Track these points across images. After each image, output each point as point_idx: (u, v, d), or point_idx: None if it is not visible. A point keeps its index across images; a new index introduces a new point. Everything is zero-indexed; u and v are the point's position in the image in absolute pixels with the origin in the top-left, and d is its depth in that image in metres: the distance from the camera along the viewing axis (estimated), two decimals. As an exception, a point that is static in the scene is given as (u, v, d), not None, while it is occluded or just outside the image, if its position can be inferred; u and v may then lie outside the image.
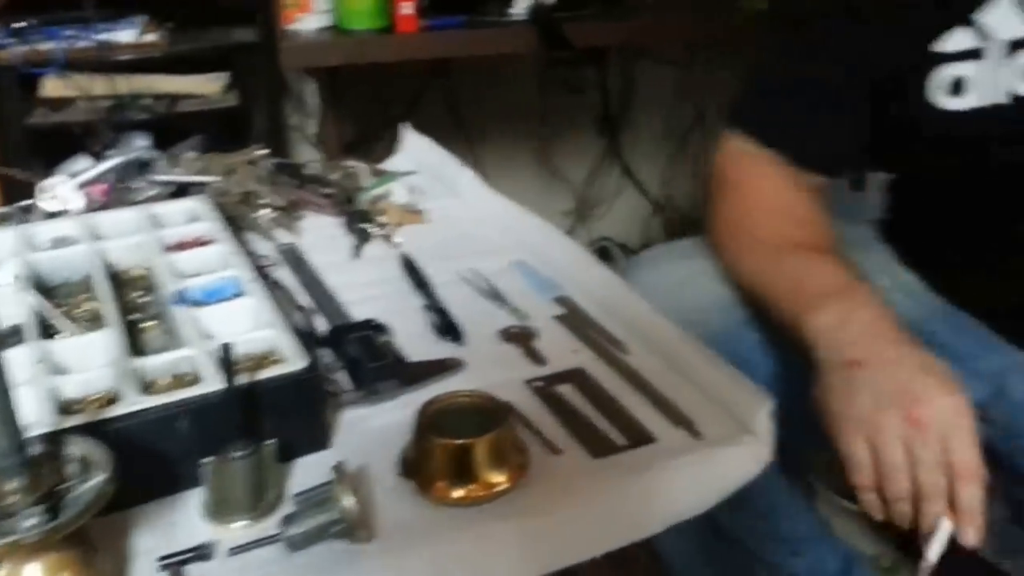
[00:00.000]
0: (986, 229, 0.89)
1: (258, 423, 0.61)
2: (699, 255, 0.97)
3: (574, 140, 2.38)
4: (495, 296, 0.89)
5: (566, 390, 0.75)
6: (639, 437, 0.69)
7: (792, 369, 0.79)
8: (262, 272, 0.81)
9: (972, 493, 0.69)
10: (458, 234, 1.03)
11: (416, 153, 1.22)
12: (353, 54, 1.66)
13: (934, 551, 0.71)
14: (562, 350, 0.81)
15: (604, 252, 2.41)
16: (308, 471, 0.63)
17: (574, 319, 0.85)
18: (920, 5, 0.85)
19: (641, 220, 2.48)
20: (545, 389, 0.75)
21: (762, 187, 0.93)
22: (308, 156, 2.22)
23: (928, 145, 0.92)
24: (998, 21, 0.81)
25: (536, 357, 0.79)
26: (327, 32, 1.67)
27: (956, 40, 0.83)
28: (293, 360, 0.65)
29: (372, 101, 2.15)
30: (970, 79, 0.82)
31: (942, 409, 0.69)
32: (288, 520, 0.56)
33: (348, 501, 0.55)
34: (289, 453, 0.63)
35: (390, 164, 1.20)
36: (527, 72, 2.19)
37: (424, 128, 2.36)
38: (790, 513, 0.97)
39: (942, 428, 0.69)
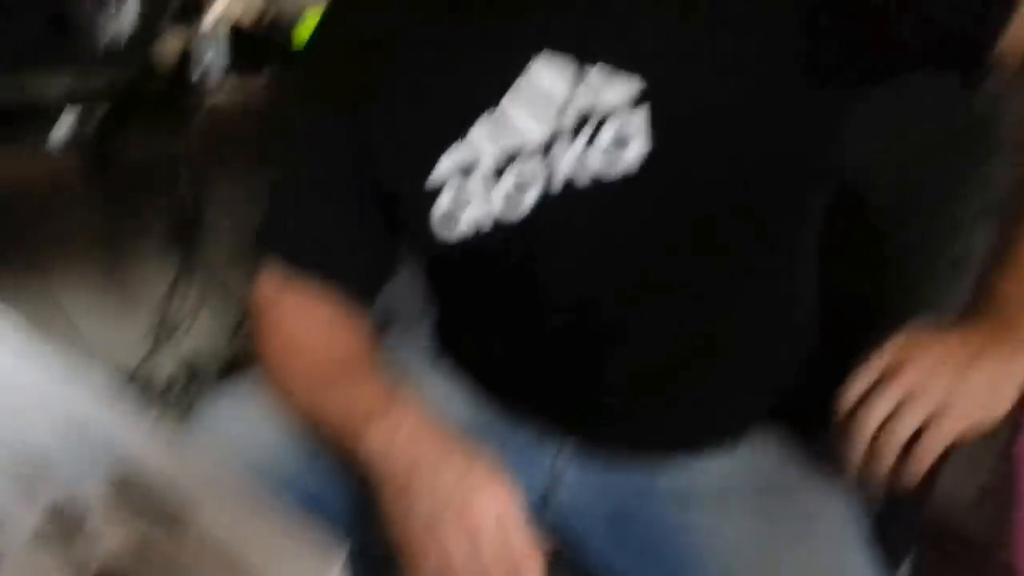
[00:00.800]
0: (515, 334, 0.96)
1: None
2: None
3: (147, 256, 2.25)
4: (41, 476, 0.79)
5: (121, 581, 0.68)
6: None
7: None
8: None
9: None
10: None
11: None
12: None
13: None
14: (115, 531, 0.73)
15: (192, 370, 2.28)
16: None
17: (128, 491, 0.78)
18: (414, 137, 0.91)
19: (230, 329, 2.40)
20: (95, 584, 0.67)
21: (298, 313, 0.93)
22: None
23: (438, 266, 0.99)
24: (479, 143, 0.87)
25: (81, 551, 0.71)
26: None
27: (444, 171, 0.88)
28: None
29: None
30: (461, 208, 0.88)
31: (488, 507, 0.74)
32: None
33: None
34: None
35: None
36: (86, 189, 2.04)
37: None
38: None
39: (492, 525, 0.73)
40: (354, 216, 0.94)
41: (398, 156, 0.91)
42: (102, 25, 1.82)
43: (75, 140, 1.53)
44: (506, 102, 0.85)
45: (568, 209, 0.84)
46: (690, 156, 0.82)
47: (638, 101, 0.81)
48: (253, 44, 1.90)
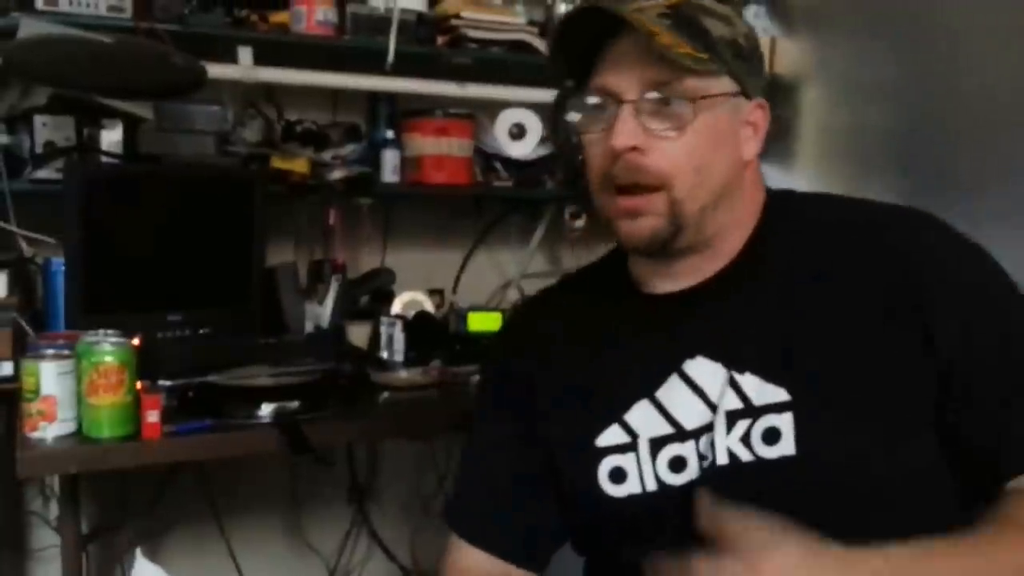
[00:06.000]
0: None
1: None
2: None
3: (324, 511, 2.46)
4: None
5: None
6: None
7: None
8: None
9: None
10: None
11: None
12: (93, 462, 1.68)
13: None
14: None
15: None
16: None
17: None
18: (582, 408, 1.02)
19: (393, 581, 2.54)
20: None
21: None
22: (48, 542, 2.14)
23: (605, 529, 1.06)
24: (640, 421, 0.98)
25: None
26: (68, 439, 1.68)
27: (611, 436, 0.99)
28: None
29: (116, 489, 2.15)
30: (626, 469, 0.98)
31: None
32: None
33: None
34: None
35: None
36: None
37: (172, 506, 2.35)
38: None
39: None
40: (525, 497, 1.07)
41: (565, 431, 1.02)
42: (305, 318, 2.14)
43: (276, 420, 1.77)
44: (660, 394, 0.97)
45: (726, 481, 0.92)
46: (829, 467, 0.91)
47: (784, 409, 0.91)
48: (432, 330, 2.16)
